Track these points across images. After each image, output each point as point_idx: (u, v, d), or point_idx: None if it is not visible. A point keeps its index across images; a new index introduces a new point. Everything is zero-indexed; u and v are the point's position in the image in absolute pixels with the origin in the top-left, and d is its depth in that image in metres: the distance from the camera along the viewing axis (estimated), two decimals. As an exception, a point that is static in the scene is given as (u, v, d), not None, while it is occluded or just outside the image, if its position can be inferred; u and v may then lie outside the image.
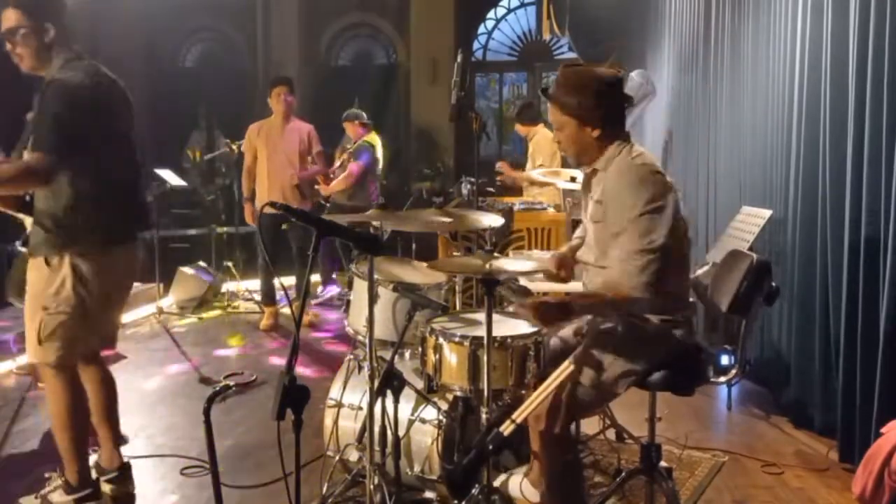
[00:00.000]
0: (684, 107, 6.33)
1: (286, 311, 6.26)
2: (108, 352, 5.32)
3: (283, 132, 5.91)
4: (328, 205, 6.86)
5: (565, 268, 2.89)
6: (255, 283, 6.61)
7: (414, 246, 6.33)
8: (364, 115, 7.09)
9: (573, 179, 4.76)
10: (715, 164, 5.46)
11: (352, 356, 3.30)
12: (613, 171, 2.59)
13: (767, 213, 4.19)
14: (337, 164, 6.96)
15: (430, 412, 3.00)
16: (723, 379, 3.31)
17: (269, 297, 6.10)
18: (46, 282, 2.93)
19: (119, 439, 3.31)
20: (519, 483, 2.94)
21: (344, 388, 3.24)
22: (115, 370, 4.72)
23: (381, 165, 7.09)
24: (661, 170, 2.56)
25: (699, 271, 4.23)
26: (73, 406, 3.03)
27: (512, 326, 2.79)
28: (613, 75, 2.61)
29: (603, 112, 2.57)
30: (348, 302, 3.27)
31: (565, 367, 2.47)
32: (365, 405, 3.00)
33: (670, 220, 2.46)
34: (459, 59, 3.28)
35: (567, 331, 2.84)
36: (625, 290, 2.45)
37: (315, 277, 7.25)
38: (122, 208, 3.02)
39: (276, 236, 5.83)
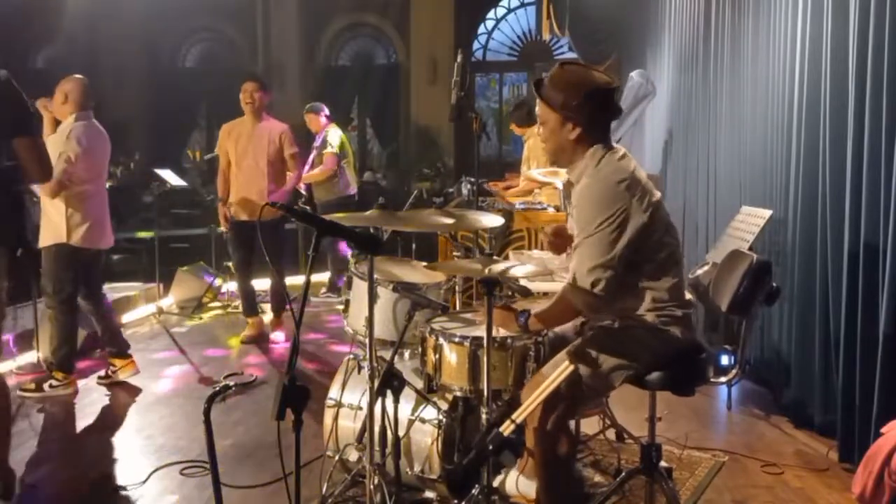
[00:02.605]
0: (684, 107, 6.33)
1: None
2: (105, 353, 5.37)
3: (252, 133, 5.52)
4: (317, 205, 6.89)
5: (562, 236, 2.91)
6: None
7: (414, 246, 6.33)
8: (326, 108, 7.12)
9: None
10: (715, 164, 5.46)
11: (352, 356, 3.30)
12: (580, 185, 2.61)
13: (767, 213, 4.19)
14: (310, 159, 6.99)
15: (430, 412, 3.00)
16: (723, 379, 3.32)
17: (251, 306, 5.79)
18: None
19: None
20: (515, 480, 2.94)
21: (343, 387, 3.24)
22: (103, 373, 4.76)
23: (350, 156, 7.16)
24: (627, 174, 2.53)
25: (699, 271, 4.24)
26: None
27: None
28: (606, 82, 2.60)
29: (586, 115, 2.56)
30: (348, 302, 3.27)
31: (565, 368, 2.47)
32: (365, 405, 3.00)
33: (631, 230, 2.49)
34: (459, 59, 3.28)
35: (567, 326, 2.85)
36: (577, 304, 2.56)
37: (321, 277, 7.27)
38: None
39: (249, 242, 5.55)
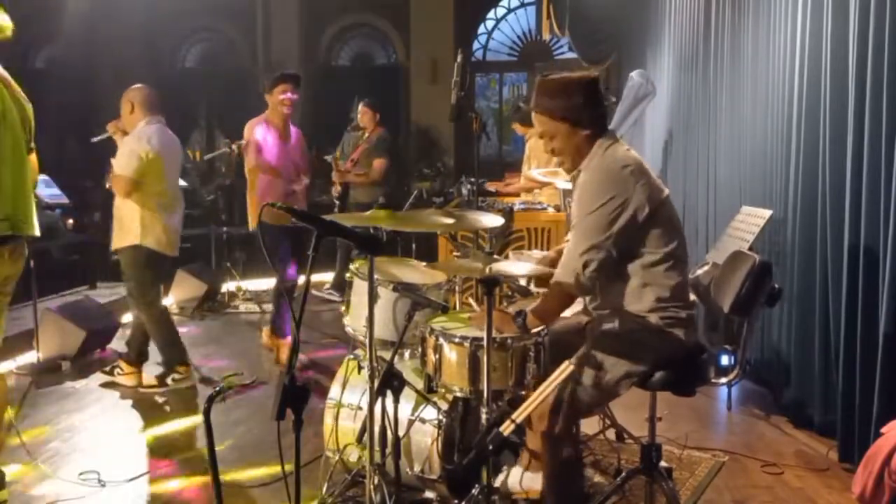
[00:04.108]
0: (684, 107, 6.33)
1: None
2: (105, 353, 5.37)
3: (288, 138, 5.18)
4: (350, 203, 6.87)
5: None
6: (254, 284, 6.61)
7: (414, 246, 6.33)
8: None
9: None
10: (715, 163, 5.46)
11: (352, 356, 3.30)
12: (586, 171, 2.65)
13: (767, 213, 4.19)
14: (352, 158, 6.93)
15: (430, 412, 3.00)
16: (723, 379, 3.31)
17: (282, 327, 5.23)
18: None
19: None
20: (519, 476, 2.94)
21: (344, 388, 3.24)
22: (107, 368, 4.78)
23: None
24: (634, 162, 2.59)
25: (699, 271, 4.24)
26: None
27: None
28: (591, 76, 2.69)
29: (591, 111, 2.62)
30: (348, 302, 3.27)
31: (565, 368, 2.47)
32: (365, 405, 3.00)
33: (630, 214, 2.52)
34: (459, 59, 3.28)
35: (571, 323, 2.85)
36: (567, 287, 2.58)
37: (323, 277, 7.26)
38: None
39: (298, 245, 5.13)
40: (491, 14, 12.74)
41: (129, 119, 4.52)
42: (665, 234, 2.58)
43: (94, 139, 4.70)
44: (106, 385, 4.72)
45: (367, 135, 7.03)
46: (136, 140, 4.43)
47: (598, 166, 2.62)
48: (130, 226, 4.47)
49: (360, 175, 6.83)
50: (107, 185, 4.58)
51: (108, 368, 4.80)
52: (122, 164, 4.41)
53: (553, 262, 2.89)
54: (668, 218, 2.60)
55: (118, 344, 5.43)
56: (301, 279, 5.27)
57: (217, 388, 2.34)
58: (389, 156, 6.88)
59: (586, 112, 2.62)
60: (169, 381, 4.64)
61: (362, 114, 7.10)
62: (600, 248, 2.51)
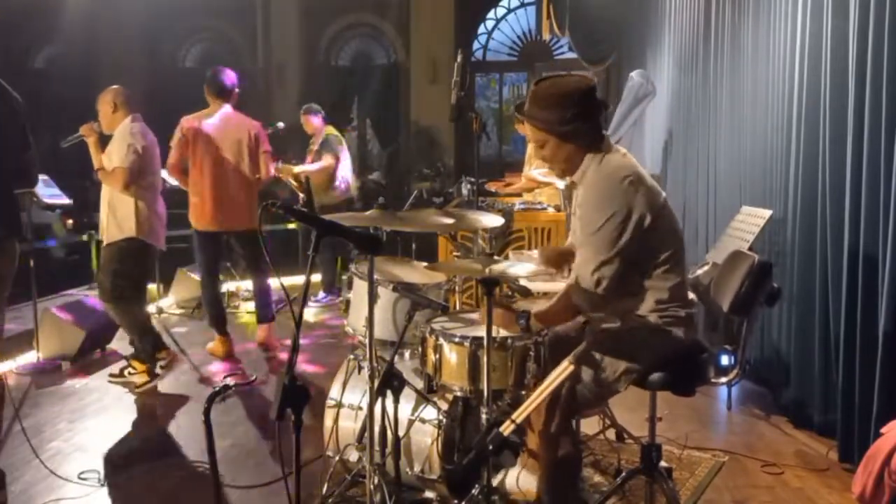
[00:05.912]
0: (684, 107, 6.33)
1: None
2: (105, 353, 5.37)
3: None
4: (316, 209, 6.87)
5: (552, 263, 2.92)
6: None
7: (414, 246, 6.33)
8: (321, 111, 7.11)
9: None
10: (715, 164, 5.46)
11: (352, 356, 3.30)
12: (584, 185, 2.62)
13: (767, 213, 4.19)
14: (308, 161, 6.97)
15: (430, 412, 3.00)
16: (723, 379, 3.31)
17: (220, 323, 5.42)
18: None
19: None
20: (516, 476, 2.94)
21: (344, 388, 3.24)
22: (115, 370, 4.80)
23: (349, 160, 7.12)
24: (631, 171, 2.55)
25: (699, 271, 4.24)
26: None
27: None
28: (588, 84, 2.62)
29: (583, 123, 2.57)
30: (348, 302, 3.27)
31: (565, 367, 2.47)
32: (365, 405, 3.00)
33: (634, 226, 2.49)
34: (459, 59, 3.28)
35: (568, 326, 2.85)
36: (580, 303, 2.57)
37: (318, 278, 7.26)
38: None
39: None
40: (491, 14, 12.74)
41: (112, 118, 4.57)
42: (665, 238, 2.58)
43: (65, 143, 4.73)
44: (117, 383, 4.72)
45: (316, 139, 7.00)
46: (128, 135, 4.48)
47: (596, 180, 2.57)
48: (126, 219, 4.50)
49: (313, 170, 6.82)
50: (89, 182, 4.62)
51: (116, 372, 4.80)
52: (119, 158, 4.45)
53: (550, 260, 2.90)
54: (667, 222, 2.60)
55: (118, 344, 5.44)
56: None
57: (217, 388, 2.33)
58: (335, 155, 6.83)
59: (577, 124, 2.55)
60: (157, 370, 4.68)
61: (304, 123, 7.04)
62: (609, 264, 2.49)
